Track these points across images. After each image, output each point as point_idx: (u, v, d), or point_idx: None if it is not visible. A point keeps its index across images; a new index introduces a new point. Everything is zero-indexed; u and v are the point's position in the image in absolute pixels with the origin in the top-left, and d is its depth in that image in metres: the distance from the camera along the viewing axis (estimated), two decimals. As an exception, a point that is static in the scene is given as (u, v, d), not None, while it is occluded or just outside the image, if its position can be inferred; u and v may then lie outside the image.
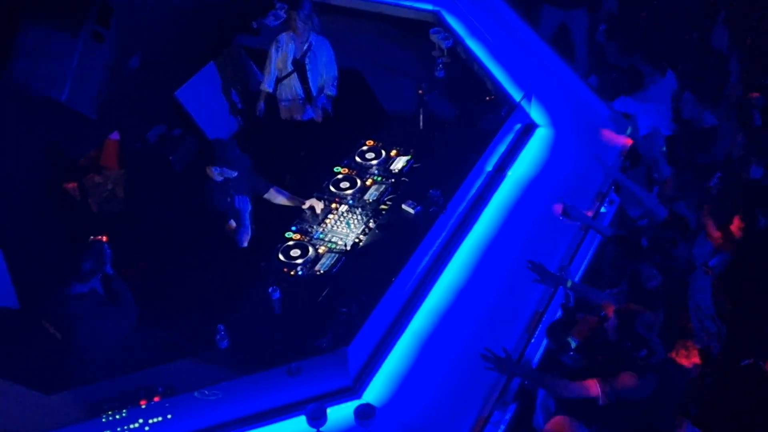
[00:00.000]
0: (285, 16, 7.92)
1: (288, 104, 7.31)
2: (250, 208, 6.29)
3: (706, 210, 6.06)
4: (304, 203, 6.18)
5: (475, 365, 5.07)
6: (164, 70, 7.43)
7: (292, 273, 5.65)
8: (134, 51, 6.87)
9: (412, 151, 6.60)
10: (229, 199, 6.13)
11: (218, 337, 5.13)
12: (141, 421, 4.65)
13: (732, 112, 7.24)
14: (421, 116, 6.83)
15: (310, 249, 5.80)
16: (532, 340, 5.48)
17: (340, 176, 6.40)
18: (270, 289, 5.36)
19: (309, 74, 7.14)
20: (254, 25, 8.25)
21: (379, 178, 6.38)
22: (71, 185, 7.24)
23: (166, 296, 6.29)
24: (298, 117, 7.33)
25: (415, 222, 5.93)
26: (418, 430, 4.88)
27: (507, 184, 6.52)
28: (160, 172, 7.42)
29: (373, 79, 7.60)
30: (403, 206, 6.05)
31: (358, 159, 6.57)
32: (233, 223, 6.18)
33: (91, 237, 5.32)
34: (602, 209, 6.53)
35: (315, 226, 6.02)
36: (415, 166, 6.49)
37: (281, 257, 5.75)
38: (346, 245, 5.84)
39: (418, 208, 6.00)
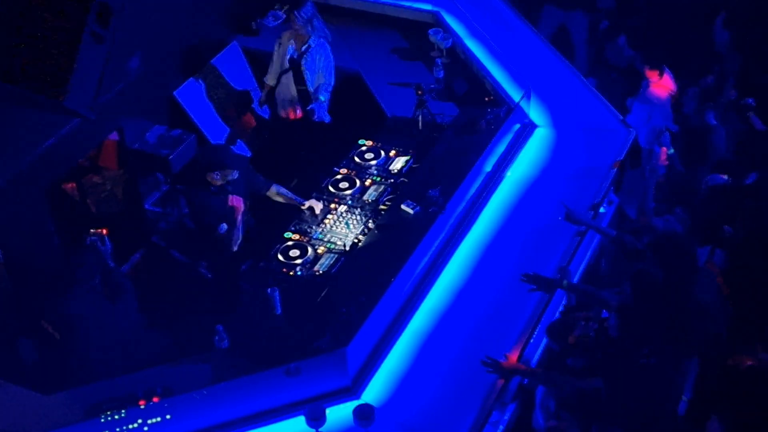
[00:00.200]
0: (284, 16, 7.92)
1: (284, 102, 7.31)
2: (243, 208, 6.27)
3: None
4: (303, 203, 6.18)
5: (474, 365, 5.08)
6: (163, 70, 7.43)
7: (291, 273, 5.65)
8: (134, 51, 6.87)
9: (411, 151, 6.61)
10: (227, 204, 6.10)
11: (217, 337, 5.13)
12: (140, 421, 4.66)
13: (727, 114, 7.26)
14: (420, 117, 6.83)
15: (310, 249, 5.80)
16: (531, 340, 5.49)
17: (339, 176, 6.40)
18: (269, 290, 5.36)
19: (305, 75, 7.13)
20: (254, 25, 8.25)
21: (378, 179, 6.39)
22: (70, 185, 7.23)
23: (165, 296, 6.29)
24: (292, 116, 7.33)
25: (414, 222, 5.93)
26: (417, 430, 4.89)
27: (506, 184, 6.52)
28: (159, 172, 7.42)
29: (373, 79, 7.61)
30: (402, 206, 6.06)
31: (357, 159, 6.57)
32: (225, 227, 6.13)
33: (92, 230, 5.31)
34: (601, 209, 6.53)
35: (314, 227, 6.02)
36: (414, 166, 6.50)
37: (280, 257, 5.76)
38: (345, 245, 5.85)
39: (417, 208, 6.01)
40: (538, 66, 7.52)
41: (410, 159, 6.55)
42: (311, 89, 7.18)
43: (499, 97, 7.06)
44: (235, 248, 6.13)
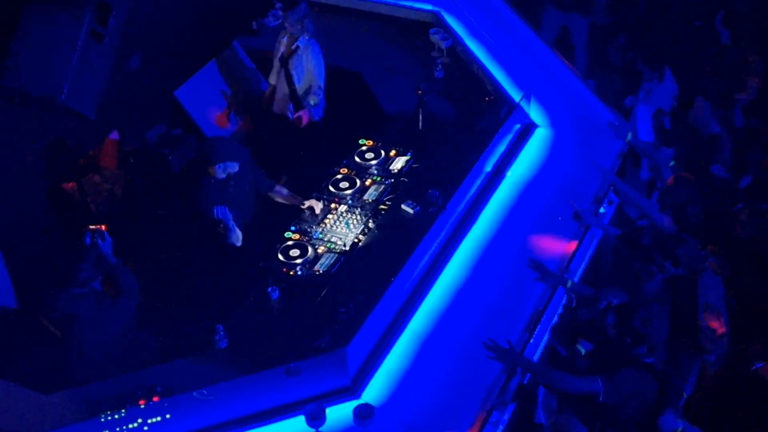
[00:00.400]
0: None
1: (278, 102, 7.34)
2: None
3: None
4: (303, 203, 6.18)
5: (473, 365, 5.08)
6: (164, 69, 7.43)
7: (291, 273, 5.65)
8: (134, 51, 6.87)
9: (411, 151, 6.61)
10: (227, 199, 6.09)
11: (217, 336, 5.13)
12: (140, 420, 4.66)
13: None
14: (421, 116, 6.83)
15: (310, 249, 5.80)
16: (531, 340, 5.49)
17: (339, 176, 6.40)
18: (269, 289, 5.36)
19: (293, 72, 7.13)
20: (254, 25, 8.25)
21: (379, 178, 6.39)
22: (70, 185, 7.23)
23: (165, 296, 6.29)
24: (286, 113, 7.34)
25: (414, 222, 5.93)
26: (416, 430, 4.89)
27: (506, 184, 6.53)
28: (160, 172, 7.42)
29: (373, 79, 7.61)
30: (403, 206, 6.06)
31: (357, 159, 6.58)
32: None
33: (91, 226, 5.30)
34: (601, 209, 6.53)
35: (314, 226, 6.02)
36: (414, 166, 6.50)
37: (280, 257, 5.75)
38: (345, 245, 5.85)
39: (418, 208, 6.01)
40: (539, 66, 7.52)
41: (410, 159, 6.55)
42: (298, 90, 7.17)
43: (500, 97, 7.07)
44: (239, 244, 6.12)
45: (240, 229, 6.02)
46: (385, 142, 6.71)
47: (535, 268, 5.64)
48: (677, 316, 5.42)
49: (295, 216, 6.14)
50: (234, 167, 5.98)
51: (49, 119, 6.49)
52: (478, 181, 6.37)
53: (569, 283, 5.62)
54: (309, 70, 7.13)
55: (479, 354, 5.15)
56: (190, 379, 4.87)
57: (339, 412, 4.84)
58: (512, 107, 6.82)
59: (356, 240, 5.89)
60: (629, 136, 6.79)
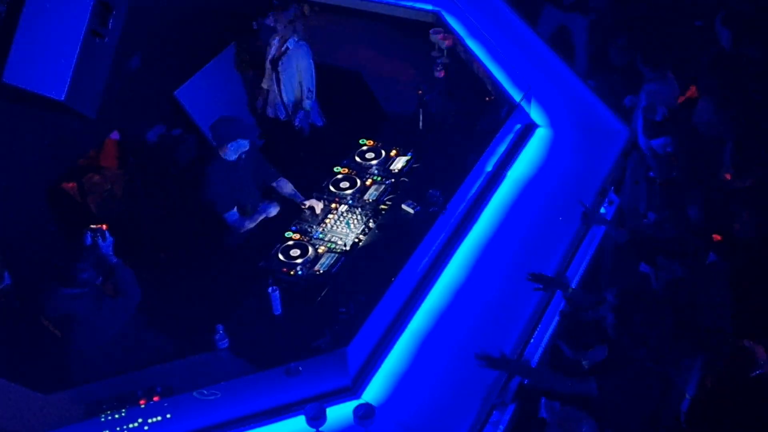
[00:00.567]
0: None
1: (272, 102, 7.34)
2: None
3: None
4: (304, 203, 6.18)
5: (474, 365, 5.07)
6: (164, 69, 7.44)
7: (291, 273, 5.65)
8: (134, 51, 6.88)
9: (411, 151, 6.61)
10: (233, 185, 6.08)
11: (217, 336, 5.13)
12: (140, 420, 4.65)
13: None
14: (421, 116, 6.84)
15: (310, 249, 5.80)
16: (532, 340, 5.48)
17: (339, 176, 6.40)
18: (269, 289, 5.36)
19: (282, 76, 7.13)
20: (254, 25, 8.25)
21: (379, 178, 6.38)
22: (71, 185, 7.24)
23: (165, 296, 6.29)
24: (279, 116, 7.34)
25: (414, 222, 5.93)
26: (417, 430, 4.88)
27: (507, 184, 6.52)
28: (160, 172, 7.43)
29: (373, 79, 7.62)
30: (403, 206, 6.06)
31: (357, 159, 6.57)
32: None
33: (92, 225, 5.30)
34: (602, 209, 6.53)
35: (315, 226, 6.02)
36: (414, 166, 6.50)
37: (281, 257, 5.75)
38: (345, 245, 5.84)
39: (418, 208, 6.01)
40: (539, 66, 7.51)
41: (411, 159, 6.55)
42: (289, 91, 7.16)
43: (500, 97, 7.07)
44: (245, 228, 6.11)
45: (246, 218, 6.02)
46: (385, 142, 6.71)
47: (535, 281, 5.62)
48: (678, 316, 5.41)
49: (296, 216, 6.14)
50: (245, 146, 5.98)
51: (50, 119, 6.48)
52: (479, 181, 6.37)
53: (569, 290, 5.61)
54: (299, 71, 7.12)
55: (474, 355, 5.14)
56: (190, 378, 4.87)
57: (339, 412, 4.84)
58: (512, 107, 6.81)
59: (357, 240, 5.89)
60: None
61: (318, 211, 6.11)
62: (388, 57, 7.87)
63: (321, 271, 5.65)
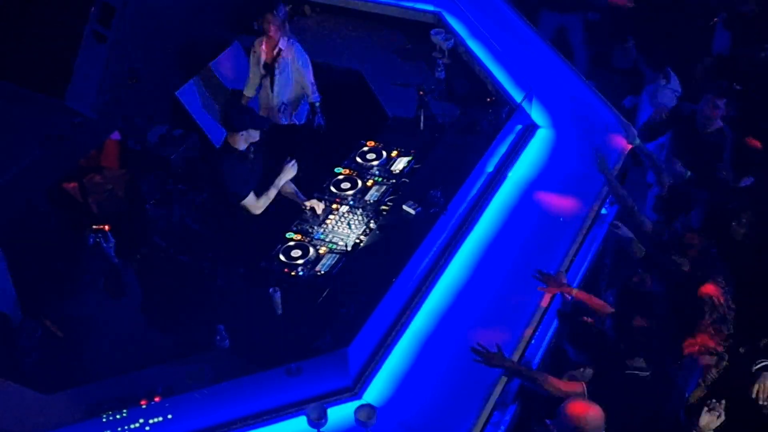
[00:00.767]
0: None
1: (266, 108, 7.29)
2: None
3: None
4: (305, 203, 6.18)
5: (474, 366, 5.07)
6: (165, 70, 7.44)
7: (292, 273, 5.65)
8: (135, 51, 6.88)
9: (412, 152, 6.61)
10: (251, 173, 6.04)
11: (218, 337, 5.13)
12: (141, 421, 4.65)
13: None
14: (422, 117, 6.83)
15: (311, 249, 5.80)
16: (532, 341, 5.48)
17: (341, 177, 6.40)
18: (270, 290, 5.36)
19: (277, 78, 7.10)
20: (255, 25, 8.24)
21: (380, 179, 6.38)
22: (71, 185, 7.23)
23: (166, 296, 6.28)
24: (276, 121, 7.29)
25: (415, 223, 5.92)
26: (418, 430, 4.88)
27: (507, 185, 6.52)
28: (161, 172, 7.42)
29: (374, 79, 7.61)
30: (404, 207, 6.05)
31: (358, 160, 6.57)
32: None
33: (93, 226, 5.30)
34: (603, 210, 6.53)
35: (316, 227, 6.02)
36: (415, 167, 6.49)
37: (282, 258, 5.75)
38: (346, 246, 5.84)
39: (419, 208, 6.00)
40: (540, 67, 7.52)
41: (412, 159, 6.55)
42: (285, 92, 7.14)
43: (501, 98, 7.06)
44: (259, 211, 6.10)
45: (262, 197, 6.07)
46: (386, 142, 6.71)
47: (540, 279, 5.61)
48: (679, 316, 5.41)
49: (297, 216, 6.14)
50: (255, 136, 5.97)
51: (50, 119, 6.49)
52: (480, 182, 6.37)
53: (573, 292, 5.60)
54: (297, 69, 7.09)
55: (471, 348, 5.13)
56: (191, 379, 4.87)
57: (340, 413, 4.84)
58: (514, 108, 6.82)
59: (358, 240, 5.88)
60: (636, 140, 6.75)
61: (319, 212, 6.11)
62: (389, 58, 7.87)
63: (322, 272, 5.65)
